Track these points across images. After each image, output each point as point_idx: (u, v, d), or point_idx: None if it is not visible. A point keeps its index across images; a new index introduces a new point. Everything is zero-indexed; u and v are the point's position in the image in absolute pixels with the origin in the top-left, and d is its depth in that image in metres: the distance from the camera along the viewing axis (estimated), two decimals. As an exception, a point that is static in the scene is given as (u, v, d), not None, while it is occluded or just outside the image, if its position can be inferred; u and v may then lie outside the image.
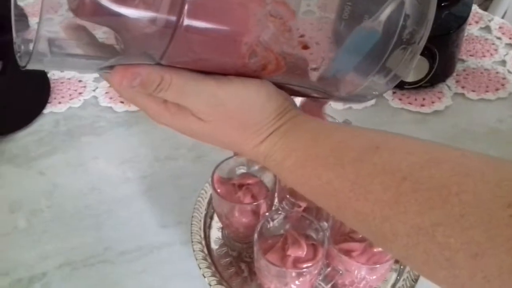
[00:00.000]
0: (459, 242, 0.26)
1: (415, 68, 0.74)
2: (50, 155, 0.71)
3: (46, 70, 0.79)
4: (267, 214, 0.52)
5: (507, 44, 0.87)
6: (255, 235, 0.48)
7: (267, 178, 0.55)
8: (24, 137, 0.73)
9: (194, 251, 0.55)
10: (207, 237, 0.57)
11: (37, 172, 0.69)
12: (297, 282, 0.47)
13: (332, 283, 0.49)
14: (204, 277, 0.53)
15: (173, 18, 0.30)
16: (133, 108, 0.77)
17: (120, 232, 0.63)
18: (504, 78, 0.81)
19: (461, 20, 0.75)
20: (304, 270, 0.46)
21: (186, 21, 0.30)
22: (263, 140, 0.37)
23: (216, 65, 0.34)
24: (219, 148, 0.70)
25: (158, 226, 0.63)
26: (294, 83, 0.38)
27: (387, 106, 0.77)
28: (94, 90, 0.80)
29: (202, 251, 0.55)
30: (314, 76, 0.37)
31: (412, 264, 0.31)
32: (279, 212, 0.52)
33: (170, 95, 0.34)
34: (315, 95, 0.41)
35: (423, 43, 0.38)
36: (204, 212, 0.59)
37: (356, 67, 0.37)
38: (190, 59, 0.33)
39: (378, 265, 0.46)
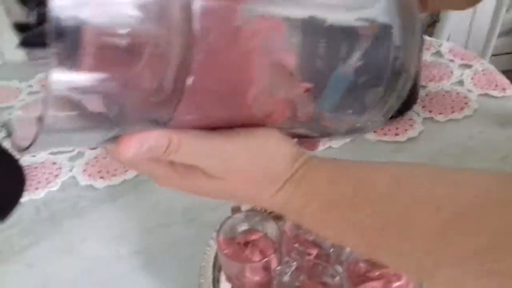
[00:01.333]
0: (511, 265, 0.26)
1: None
2: (36, 245, 0.68)
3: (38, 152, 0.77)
4: (278, 268, 0.51)
5: (460, 65, 0.92)
6: (273, 293, 0.47)
7: (271, 229, 0.54)
8: (5, 231, 0.70)
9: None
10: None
11: (24, 265, 0.66)
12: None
13: None
14: None
15: (181, 81, 0.29)
16: (114, 182, 0.76)
17: (124, 314, 0.60)
18: (465, 97, 0.85)
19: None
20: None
21: (194, 83, 0.30)
22: (279, 189, 0.36)
23: (222, 120, 0.34)
24: (212, 206, 0.69)
25: (163, 301, 0.61)
26: (297, 127, 0.38)
27: (364, 140, 0.79)
28: (70, 170, 0.78)
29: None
30: (317, 118, 0.37)
31: None
32: (291, 264, 0.51)
33: (179, 157, 0.34)
34: (315, 135, 0.42)
35: (414, 69, 0.39)
36: (211, 277, 0.58)
37: (355, 106, 0.38)
38: (196, 118, 0.33)
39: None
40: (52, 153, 0.81)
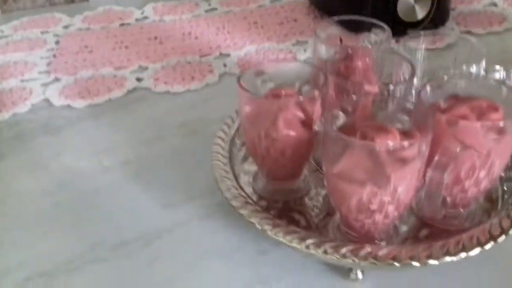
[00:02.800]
0: None
1: (417, 6, 0.67)
2: (-4, 162, 0.53)
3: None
4: (321, 120, 0.38)
5: (489, -7, 0.82)
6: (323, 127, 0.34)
7: (306, 89, 0.41)
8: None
9: (235, 207, 0.39)
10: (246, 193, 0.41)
11: (-20, 182, 0.51)
12: (401, 179, 0.32)
13: (446, 173, 0.33)
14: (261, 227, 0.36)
15: None
16: (97, 101, 0.62)
17: (110, 224, 0.45)
18: (502, 14, 0.75)
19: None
20: (413, 143, 0.31)
21: None
22: None
23: None
24: (217, 118, 0.56)
25: (163, 207, 0.46)
26: None
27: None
28: (43, 93, 0.64)
29: (247, 201, 0.38)
30: None
31: None
32: (337, 114, 0.37)
33: None
34: None
35: None
36: (229, 164, 0.44)
37: None
38: None
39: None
40: (22, 80, 0.68)
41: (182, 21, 0.81)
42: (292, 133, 0.38)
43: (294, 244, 0.34)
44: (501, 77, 0.43)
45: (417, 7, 0.66)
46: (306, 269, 0.39)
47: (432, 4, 0.67)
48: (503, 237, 0.34)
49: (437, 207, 0.34)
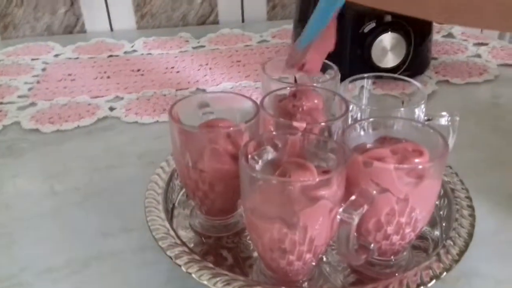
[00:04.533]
0: None
1: (391, 54, 0.67)
2: (-50, 179, 0.54)
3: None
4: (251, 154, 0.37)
5: (475, 44, 0.82)
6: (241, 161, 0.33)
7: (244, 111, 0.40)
8: None
9: (156, 239, 0.38)
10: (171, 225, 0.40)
11: None
12: (311, 218, 0.31)
13: (356, 215, 0.32)
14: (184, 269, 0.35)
15: None
16: (65, 127, 0.63)
17: (44, 248, 0.44)
18: (484, 65, 0.74)
19: None
20: (320, 181, 0.30)
21: None
22: None
23: None
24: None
25: (99, 235, 0.45)
26: None
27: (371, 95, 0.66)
28: (16, 117, 0.65)
29: (168, 233, 0.37)
30: None
31: None
32: (266, 150, 0.37)
33: None
34: None
35: None
36: (163, 194, 0.43)
37: None
38: None
39: (428, 164, 0.31)
40: (1, 103, 0.69)
41: (168, 55, 0.83)
42: (220, 166, 0.37)
43: (204, 281, 0.33)
44: (446, 123, 0.42)
45: (390, 55, 0.66)
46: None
47: (408, 53, 0.67)
48: (420, 289, 0.32)
49: (350, 251, 0.32)
